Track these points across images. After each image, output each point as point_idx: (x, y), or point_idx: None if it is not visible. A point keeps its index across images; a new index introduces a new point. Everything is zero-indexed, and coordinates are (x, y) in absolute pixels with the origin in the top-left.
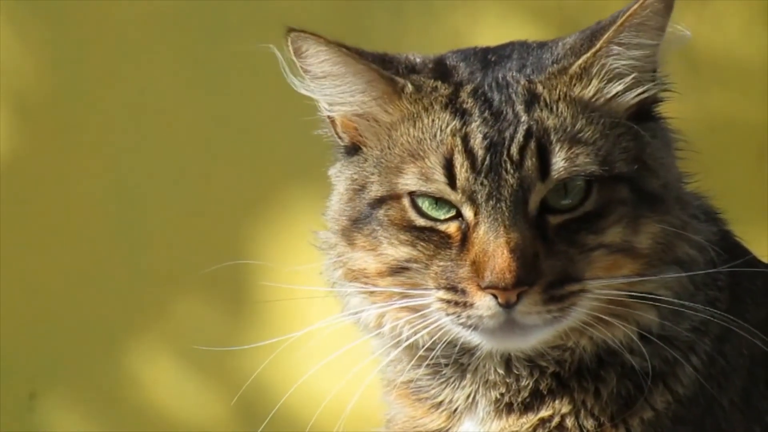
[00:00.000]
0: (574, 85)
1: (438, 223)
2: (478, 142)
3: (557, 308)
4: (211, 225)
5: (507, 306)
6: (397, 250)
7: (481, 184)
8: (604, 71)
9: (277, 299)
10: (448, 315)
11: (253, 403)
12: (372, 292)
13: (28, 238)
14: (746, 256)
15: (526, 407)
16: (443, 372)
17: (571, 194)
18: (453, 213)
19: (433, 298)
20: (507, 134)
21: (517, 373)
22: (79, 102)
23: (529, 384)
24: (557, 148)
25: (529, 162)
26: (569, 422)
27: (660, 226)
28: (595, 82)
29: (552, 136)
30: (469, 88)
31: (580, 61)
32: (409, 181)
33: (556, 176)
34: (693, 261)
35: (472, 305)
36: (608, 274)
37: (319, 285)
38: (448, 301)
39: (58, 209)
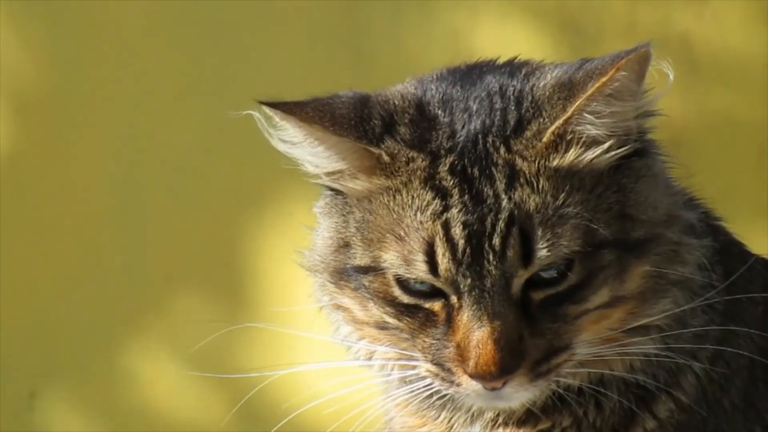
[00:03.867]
0: (551, 155)
1: (423, 301)
2: (458, 231)
3: (544, 380)
4: (211, 225)
5: (493, 390)
6: (384, 317)
7: (463, 275)
8: (581, 139)
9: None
10: (436, 381)
11: (253, 402)
12: (361, 330)
13: (27, 238)
14: (747, 259)
15: (527, 419)
16: (434, 399)
17: (554, 269)
18: (437, 292)
19: (422, 367)
20: (488, 222)
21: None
22: (78, 102)
23: (524, 408)
24: (539, 234)
25: (511, 252)
26: None
27: (648, 265)
28: (572, 150)
29: (534, 220)
30: (447, 162)
31: (553, 127)
32: (391, 263)
33: (538, 263)
34: (687, 279)
35: (459, 384)
36: (596, 330)
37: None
38: (436, 374)
39: (57, 209)
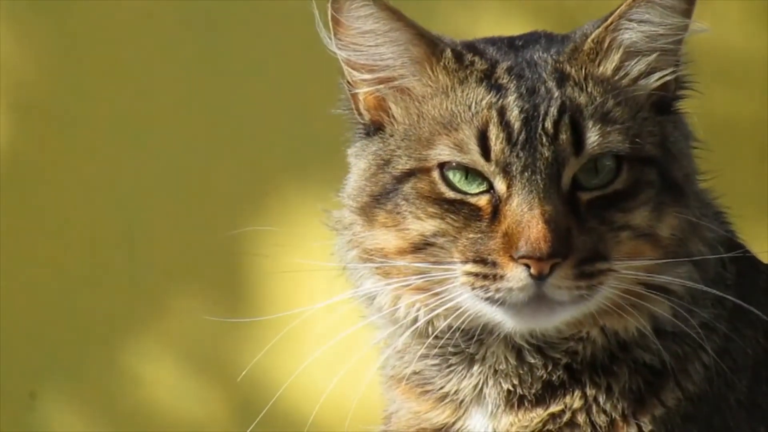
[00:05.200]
0: (595, 61)
1: (468, 196)
2: (514, 115)
3: (586, 285)
4: (211, 225)
5: (539, 278)
6: (423, 224)
7: (516, 156)
8: (618, 46)
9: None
10: (474, 289)
11: (253, 402)
12: (388, 272)
13: (27, 238)
14: (757, 265)
15: (538, 401)
16: (450, 362)
17: (602, 173)
18: (484, 187)
19: (459, 272)
20: (542, 109)
21: (530, 362)
22: (78, 102)
23: (542, 375)
24: (590, 125)
25: (564, 136)
26: (580, 418)
27: (680, 218)
28: (612, 56)
29: (584, 112)
30: (504, 65)
31: (593, 35)
32: (442, 152)
33: (589, 151)
34: (703, 259)
35: (502, 277)
36: (632, 256)
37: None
38: (476, 274)
39: (57, 209)
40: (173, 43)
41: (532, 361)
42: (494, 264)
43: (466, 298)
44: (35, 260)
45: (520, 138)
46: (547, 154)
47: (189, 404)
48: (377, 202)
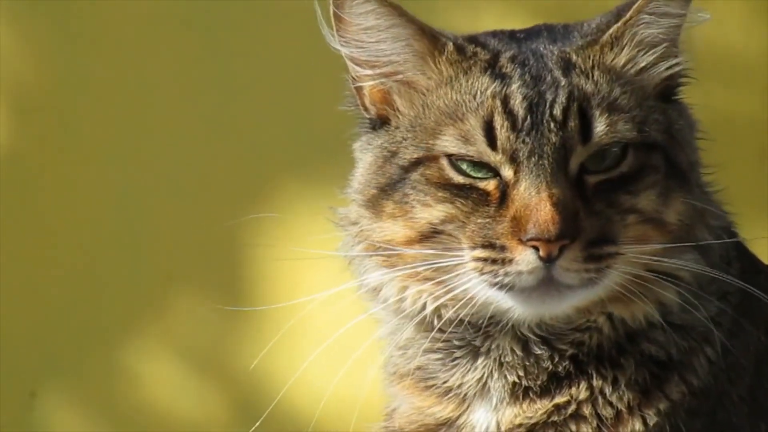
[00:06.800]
0: (606, 53)
1: (477, 181)
2: (518, 102)
3: (595, 268)
4: (211, 225)
5: (548, 260)
6: (432, 211)
7: (523, 142)
8: (635, 40)
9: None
10: (483, 274)
11: (253, 402)
12: (394, 263)
13: (27, 238)
14: (759, 265)
15: (543, 392)
16: (455, 355)
17: (609, 158)
18: (491, 174)
19: (468, 257)
20: (548, 96)
21: (537, 353)
22: (78, 102)
23: (548, 366)
24: (597, 114)
25: (573, 123)
26: (586, 410)
27: (686, 204)
28: (626, 50)
29: (592, 101)
30: (507, 54)
31: (612, 30)
32: (447, 143)
33: (597, 141)
34: (710, 247)
35: (511, 261)
36: (639, 240)
37: (322, 285)
38: (485, 259)
39: (57, 209)
40: (173, 44)
41: (539, 352)
42: (503, 248)
43: (474, 284)
44: (35, 260)
45: (525, 124)
46: (554, 140)
47: (189, 404)
48: (384, 193)
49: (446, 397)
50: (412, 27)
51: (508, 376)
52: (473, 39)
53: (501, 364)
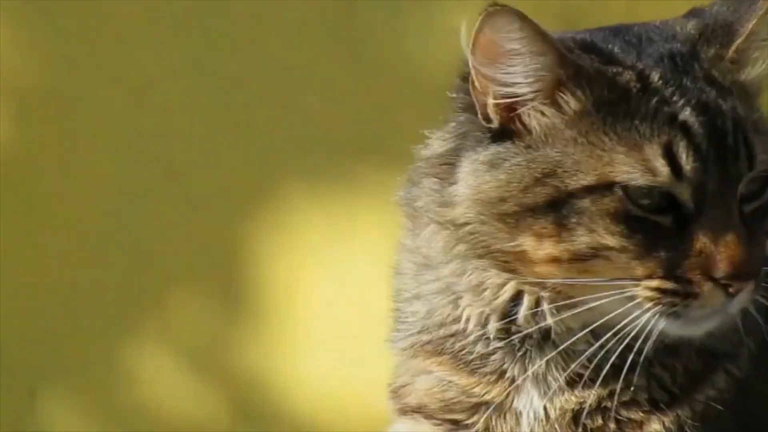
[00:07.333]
0: (736, 69)
1: (654, 213)
2: (698, 131)
3: (753, 293)
4: (211, 225)
5: (734, 296)
6: (599, 239)
7: (707, 172)
8: (750, 57)
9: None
10: (657, 305)
11: (253, 402)
12: (513, 269)
13: (27, 238)
14: None
15: (601, 379)
16: (518, 346)
17: (757, 184)
18: (670, 205)
19: (642, 287)
20: (718, 122)
21: (604, 344)
22: (78, 101)
23: (616, 360)
24: (755, 138)
25: (743, 152)
26: (641, 396)
27: None
28: (751, 65)
29: (746, 126)
30: (655, 74)
31: (737, 44)
32: (626, 173)
33: (758, 168)
34: None
35: (696, 295)
36: None
37: (318, 282)
38: (664, 291)
39: (57, 209)
40: (173, 43)
41: (607, 342)
42: (689, 282)
43: (640, 313)
44: (35, 260)
45: (710, 155)
46: (732, 171)
47: (189, 404)
48: (532, 212)
49: (494, 380)
50: (556, 53)
51: (572, 366)
52: (593, 48)
53: (568, 355)
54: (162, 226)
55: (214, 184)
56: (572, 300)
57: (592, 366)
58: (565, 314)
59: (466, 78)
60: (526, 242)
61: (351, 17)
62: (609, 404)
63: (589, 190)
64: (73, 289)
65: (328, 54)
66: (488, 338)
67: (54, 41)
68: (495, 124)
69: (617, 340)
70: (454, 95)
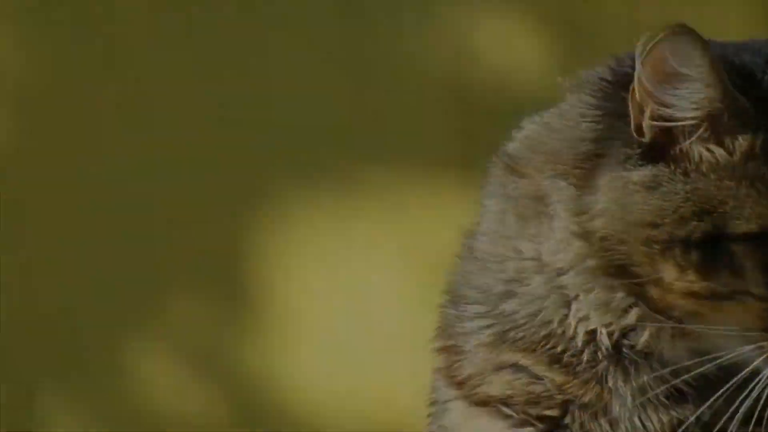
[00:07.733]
0: None
1: None
2: None
3: None
4: (211, 225)
5: None
6: (747, 285)
7: None
8: None
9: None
10: None
11: (253, 402)
12: (640, 293)
13: (27, 238)
14: None
15: (702, 398)
16: (626, 360)
17: None
18: None
19: None
20: None
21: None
22: (78, 101)
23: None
24: None
25: None
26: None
27: None
28: None
29: None
30: None
31: None
32: None
33: None
34: None
35: None
36: None
37: (313, 277)
38: None
39: (57, 209)
40: (173, 43)
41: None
42: None
43: (758, 363)
44: (35, 259)
45: None
46: None
47: (189, 404)
48: (683, 245)
49: (593, 385)
50: (721, 87)
51: (675, 382)
52: (741, 74)
53: (675, 373)
54: (162, 226)
55: (214, 184)
56: (692, 332)
57: (695, 385)
58: (682, 343)
59: (618, 83)
60: (667, 271)
61: (351, 17)
62: (710, 423)
63: (747, 237)
64: (73, 288)
65: (328, 54)
66: (597, 350)
67: (54, 42)
68: (647, 139)
69: (726, 376)
70: (594, 98)
